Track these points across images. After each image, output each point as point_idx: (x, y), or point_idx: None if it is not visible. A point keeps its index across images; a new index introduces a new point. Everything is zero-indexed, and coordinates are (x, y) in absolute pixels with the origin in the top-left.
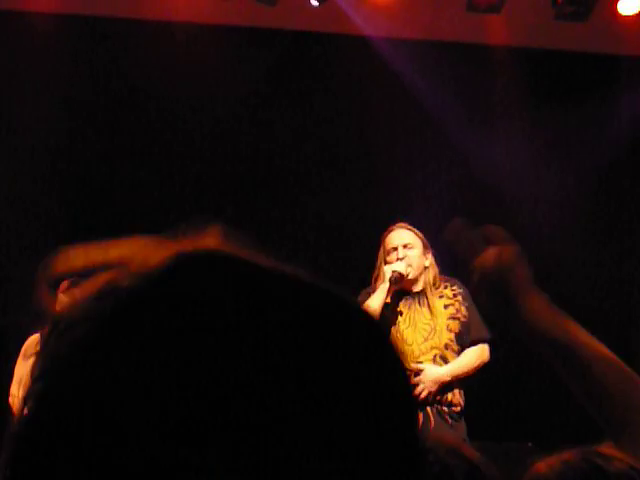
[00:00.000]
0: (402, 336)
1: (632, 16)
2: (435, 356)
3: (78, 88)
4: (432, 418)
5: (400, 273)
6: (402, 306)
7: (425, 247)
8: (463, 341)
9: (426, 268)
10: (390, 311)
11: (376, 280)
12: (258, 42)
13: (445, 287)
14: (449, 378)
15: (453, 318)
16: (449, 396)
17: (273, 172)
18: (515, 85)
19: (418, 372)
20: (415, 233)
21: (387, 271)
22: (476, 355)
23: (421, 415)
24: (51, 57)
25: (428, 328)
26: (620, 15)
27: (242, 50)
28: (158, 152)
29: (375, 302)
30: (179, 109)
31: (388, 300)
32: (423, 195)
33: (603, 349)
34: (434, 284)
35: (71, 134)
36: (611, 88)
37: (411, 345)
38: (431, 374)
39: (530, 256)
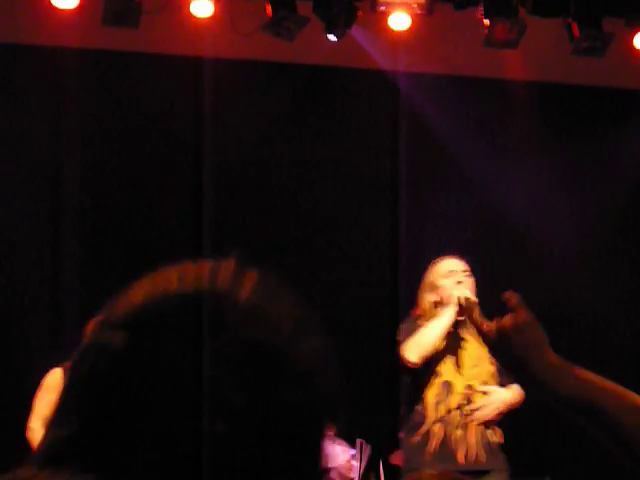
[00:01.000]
0: (457, 360)
1: None
2: (484, 383)
3: (103, 120)
4: (475, 443)
5: (471, 300)
6: (461, 332)
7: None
8: (501, 376)
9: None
10: (451, 337)
11: (417, 308)
12: (278, 76)
13: None
14: (515, 402)
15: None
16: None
17: (291, 206)
18: (532, 120)
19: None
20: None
21: (455, 295)
22: (520, 392)
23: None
24: (69, 90)
25: (475, 356)
26: (636, 50)
27: (262, 84)
28: (178, 186)
29: (441, 325)
30: (202, 143)
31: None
32: (440, 227)
33: (633, 397)
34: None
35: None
36: (627, 123)
37: (461, 368)
38: (501, 396)
39: (545, 288)
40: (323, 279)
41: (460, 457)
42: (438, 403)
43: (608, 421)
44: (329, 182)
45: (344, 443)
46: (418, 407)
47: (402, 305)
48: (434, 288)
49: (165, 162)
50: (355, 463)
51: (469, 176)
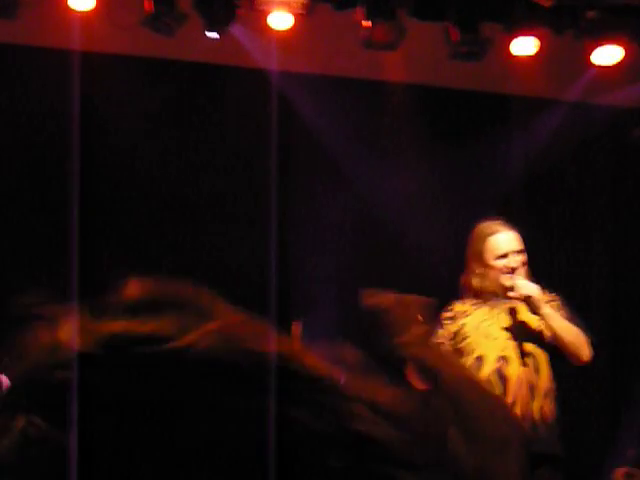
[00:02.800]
0: (485, 332)
1: (525, 57)
2: (523, 354)
3: None
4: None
5: (529, 296)
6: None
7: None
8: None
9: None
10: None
11: (469, 283)
12: (156, 73)
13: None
14: (545, 303)
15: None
16: (542, 404)
17: (169, 202)
18: (410, 122)
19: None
20: (518, 234)
21: (523, 289)
22: (579, 332)
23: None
24: None
25: (516, 327)
26: (513, 55)
27: (140, 81)
28: (56, 178)
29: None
30: (74, 138)
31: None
32: (319, 229)
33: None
34: None
35: None
36: (503, 127)
37: (495, 340)
38: (530, 286)
39: (420, 289)
40: (196, 276)
41: None
42: None
43: (444, 385)
44: (207, 180)
45: None
46: None
47: (273, 305)
48: (483, 264)
49: (38, 157)
50: None
51: (348, 177)
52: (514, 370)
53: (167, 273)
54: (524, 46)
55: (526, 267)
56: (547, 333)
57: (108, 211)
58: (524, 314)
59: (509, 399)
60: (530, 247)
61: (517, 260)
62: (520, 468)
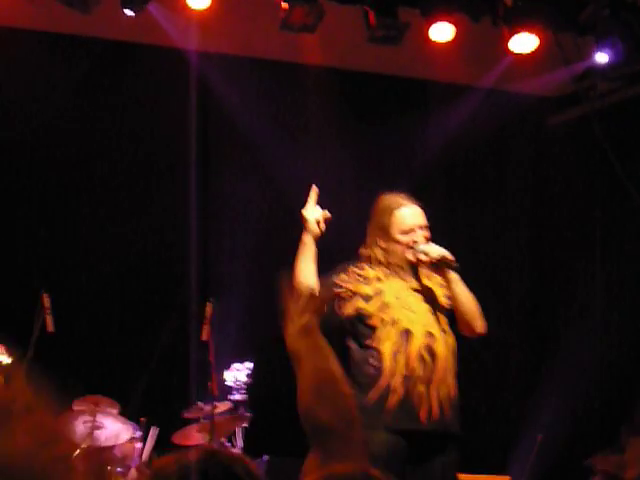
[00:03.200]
0: (407, 305)
1: (444, 43)
2: (442, 331)
3: None
4: (446, 411)
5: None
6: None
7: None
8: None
9: None
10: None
11: (365, 255)
12: (71, 49)
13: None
14: (453, 260)
15: (448, 297)
16: (454, 383)
17: (83, 183)
18: (328, 105)
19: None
20: (422, 209)
21: (433, 253)
22: (479, 309)
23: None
24: None
25: (430, 303)
26: (431, 41)
27: (53, 57)
28: None
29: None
30: None
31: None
32: (233, 211)
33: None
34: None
35: None
36: (421, 112)
37: (419, 314)
38: (441, 248)
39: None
40: (116, 260)
41: (423, 416)
42: (397, 353)
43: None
44: (123, 161)
45: (128, 422)
46: (372, 360)
47: (193, 291)
48: (388, 238)
49: None
50: (139, 444)
51: (266, 158)
52: (440, 347)
53: (85, 258)
54: (442, 32)
55: (429, 243)
56: (448, 303)
57: (15, 192)
58: (429, 282)
59: (437, 376)
60: (448, 230)
61: (422, 235)
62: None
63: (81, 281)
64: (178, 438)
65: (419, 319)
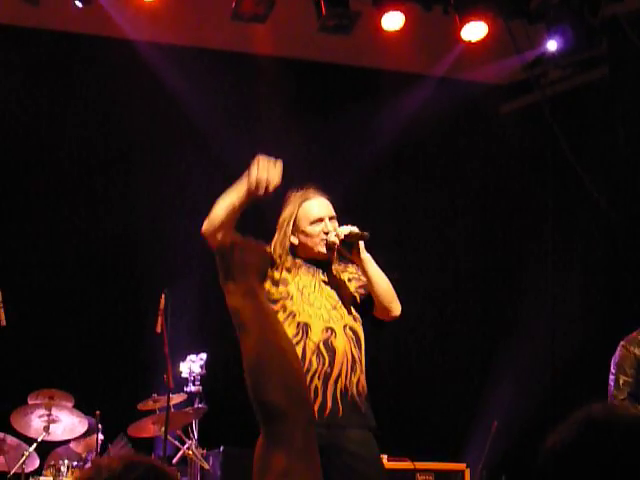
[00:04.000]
0: (308, 300)
1: (395, 31)
2: (345, 326)
3: None
4: (341, 406)
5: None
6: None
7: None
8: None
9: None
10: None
11: (280, 248)
12: (18, 41)
13: (348, 265)
14: (361, 232)
15: (360, 287)
16: (360, 378)
17: (34, 171)
18: (280, 95)
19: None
20: (329, 200)
21: (346, 229)
22: (394, 292)
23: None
24: None
25: (336, 298)
26: (383, 30)
27: (2, 48)
28: None
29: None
30: None
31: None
32: (186, 201)
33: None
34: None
35: None
36: (372, 101)
37: (319, 309)
38: (349, 226)
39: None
40: (67, 247)
41: (315, 410)
42: (296, 344)
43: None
44: (73, 152)
45: (82, 415)
46: None
47: (147, 283)
48: (297, 230)
49: None
50: (97, 435)
51: (218, 149)
52: (340, 342)
53: (36, 251)
54: (393, 21)
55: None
56: (361, 294)
57: None
58: (340, 276)
59: (335, 371)
60: (400, 217)
61: (333, 225)
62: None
63: (33, 274)
64: (133, 430)
65: (320, 314)
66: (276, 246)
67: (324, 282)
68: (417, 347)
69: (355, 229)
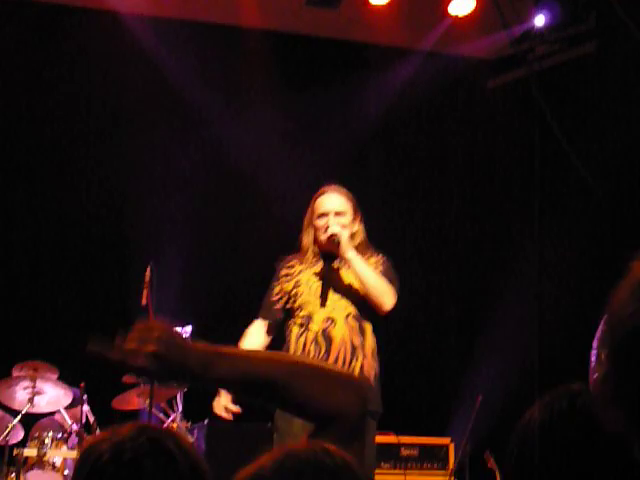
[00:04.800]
0: (316, 291)
1: (382, 5)
2: (348, 315)
3: None
4: None
5: (335, 234)
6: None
7: (355, 212)
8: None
9: (354, 234)
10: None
11: (303, 243)
12: (5, 13)
13: (372, 255)
14: (350, 247)
15: None
16: (363, 363)
17: (12, 145)
18: (267, 69)
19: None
20: (347, 197)
21: (331, 229)
22: (385, 282)
23: None
24: None
25: (344, 288)
26: (370, 4)
27: None
28: None
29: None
30: None
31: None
32: (172, 174)
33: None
34: (360, 249)
35: None
36: (359, 75)
37: (326, 299)
38: (338, 228)
39: (279, 231)
40: (49, 224)
41: None
42: (299, 335)
43: (281, 390)
44: (57, 123)
45: (68, 387)
46: (286, 345)
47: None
48: (310, 223)
49: None
50: (82, 407)
51: (203, 123)
52: (338, 331)
53: (20, 221)
54: None
55: (347, 230)
56: (358, 285)
57: None
58: (341, 270)
59: (332, 358)
60: (387, 195)
61: (336, 220)
62: None
63: (16, 247)
64: (118, 403)
65: (325, 304)
66: (303, 237)
67: (334, 272)
68: (400, 322)
69: (344, 233)
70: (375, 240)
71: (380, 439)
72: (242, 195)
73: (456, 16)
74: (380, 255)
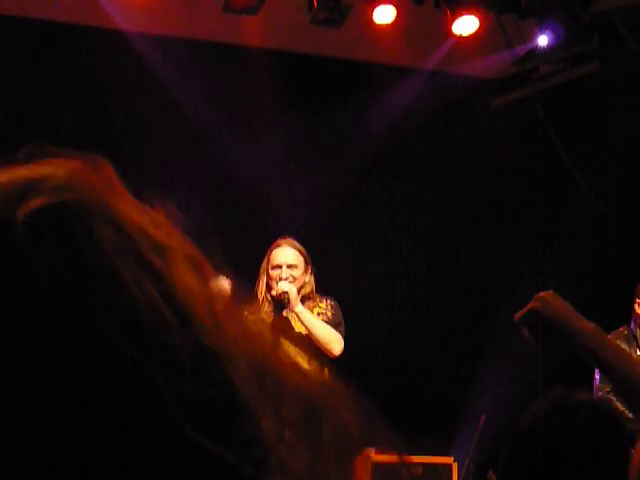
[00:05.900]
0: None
1: (386, 25)
2: (310, 359)
3: None
4: None
5: (285, 292)
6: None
7: (306, 264)
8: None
9: (304, 284)
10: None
11: (257, 288)
12: (11, 31)
13: (321, 301)
14: (299, 302)
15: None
16: None
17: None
18: (271, 87)
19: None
20: (299, 252)
21: (281, 287)
22: (331, 331)
23: None
24: None
25: (301, 336)
26: (375, 23)
27: None
28: None
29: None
30: None
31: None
32: (178, 194)
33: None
34: (310, 298)
35: None
36: (363, 94)
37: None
38: (288, 285)
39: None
40: None
41: None
42: None
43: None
44: (62, 143)
45: None
46: None
47: None
48: (265, 274)
49: None
50: None
51: (207, 142)
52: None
53: None
54: (384, 14)
55: (296, 282)
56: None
57: None
58: (294, 322)
59: None
60: (391, 211)
61: (288, 273)
62: None
63: None
64: None
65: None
66: (257, 283)
67: (286, 321)
68: (403, 342)
69: (293, 290)
70: (377, 258)
71: (382, 458)
72: (246, 213)
73: (460, 35)
74: (328, 300)
